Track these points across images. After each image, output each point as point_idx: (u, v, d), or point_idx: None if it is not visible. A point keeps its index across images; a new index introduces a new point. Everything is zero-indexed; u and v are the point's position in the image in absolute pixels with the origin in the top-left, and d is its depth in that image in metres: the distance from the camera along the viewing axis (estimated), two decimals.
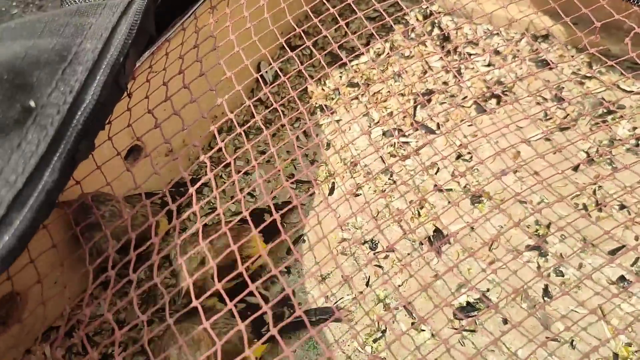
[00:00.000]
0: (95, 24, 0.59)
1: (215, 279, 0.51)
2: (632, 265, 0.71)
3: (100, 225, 0.63)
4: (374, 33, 0.74)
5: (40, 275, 0.61)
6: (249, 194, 0.84)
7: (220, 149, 0.64)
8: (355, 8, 0.76)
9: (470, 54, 0.94)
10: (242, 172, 0.70)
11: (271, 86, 0.75)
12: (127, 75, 0.63)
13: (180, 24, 0.73)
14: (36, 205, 0.47)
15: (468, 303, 0.71)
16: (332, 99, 0.93)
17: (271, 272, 0.55)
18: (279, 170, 0.62)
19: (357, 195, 0.82)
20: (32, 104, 0.50)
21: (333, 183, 0.83)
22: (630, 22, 0.70)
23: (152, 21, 0.69)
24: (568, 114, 0.85)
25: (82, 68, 0.54)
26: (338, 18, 0.75)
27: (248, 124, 0.71)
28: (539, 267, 0.72)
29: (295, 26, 0.78)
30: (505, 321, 0.69)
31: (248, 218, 0.58)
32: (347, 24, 0.79)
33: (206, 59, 0.73)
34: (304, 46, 0.75)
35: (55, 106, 0.51)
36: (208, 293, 0.51)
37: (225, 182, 0.85)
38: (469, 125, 0.86)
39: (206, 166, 0.71)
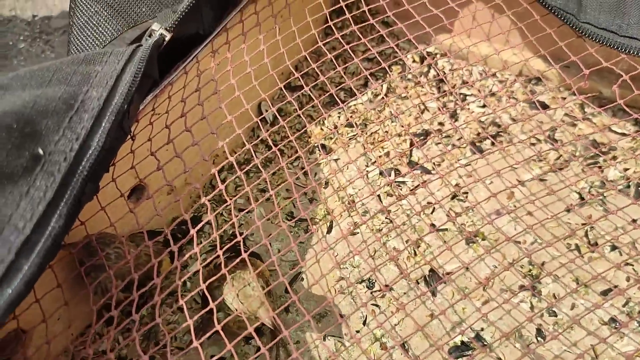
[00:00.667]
0: (101, 72, 0.61)
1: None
2: (623, 306, 0.72)
3: (105, 265, 0.64)
4: (369, 77, 0.76)
5: (45, 313, 0.63)
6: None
7: (222, 189, 0.67)
8: (351, 54, 0.79)
9: (465, 95, 0.97)
10: (243, 212, 0.72)
11: (272, 127, 0.77)
12: (131, 119, 0.65)
13: (183, 68, 0.75)
14: (43, 250, 0.48)
15: (462, 342, 0.72)
16: (331, 138, 0.95)
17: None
18: (279, 210, 0.64)
19: (355, 233, 0.83)
20: (40, 151, 0.53)
21: (331, 222, 0.85)
22: (619, 69, 0.73)
23: (156, 67, 0.72)
24: (561, 155, 0.87)
25: (88, 116, 0.56)
26: (334, 61, 0.78)
27: (250, 165, 0.73)
28: (532, 307, 0.74)
29: (294, 70, 0.80)
30: None
31: (247, 259, 0.61)
32: (346, 66, 0.82)
33: (208, 101, 0.76)
34: (303, 90, 0.78)
35: (62, 153, 0.53)
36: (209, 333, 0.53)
37: (226, 220, 0.87)
38: (465, 166, 0.88)
39: (209, 203, 0.73)
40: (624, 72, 0.72)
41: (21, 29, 1.76)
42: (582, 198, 0.82)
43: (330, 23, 0.83)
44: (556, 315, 0.73)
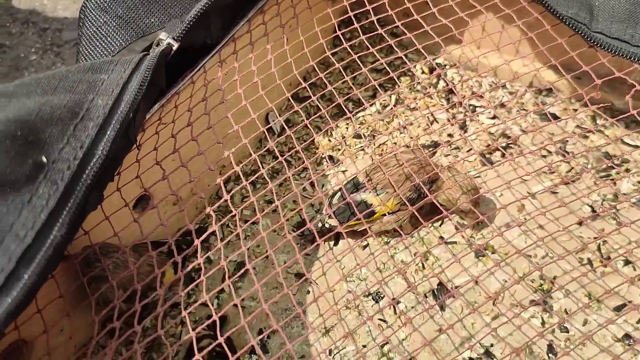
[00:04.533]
0: (107, 80, 0.61)
1: None
2: (637, 322, 0.70)
3: (106, 276, 0.64)
4: (378, 88, 0.75)
5: (46, 324, 0.62)
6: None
7: (227, 199, 0.66)
8: (360, 64, 0.78)
9: (475, 107, 0.96)
10: (248, 223, 0.71)
11: (279, 138, 0.77)
12: (137, 127, 0.65)
13: (190, 77, 0.75)
14: (44, 260, 0.48)
15: (471, 359, 0.70)
16: (339, 149, 0.94)
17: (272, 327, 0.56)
18: (284, 221, 0.63)
19: (365, 246, 0.82)
20: (43, 159, 0.52)
21: (338, 234, 0.84)
22: (632, 79, 0.72)
23: (163, 75, 0.71)
24: (572, 168, 0.85)
25: (93, 124, 0.56)
26: (343, 72, 0.77)
27: (256, 175, 0.72)
28: (543, 322, 0.72)
29: (302, 81, 0.80)
30: None
31: (252, 271, 0.60)
32: (354, 76, 0.81)
33: (215, 111, 0.75)
34: (310, 100, 0.77)
35: (66, 161, 0.53)
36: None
37: (232, 232, 0.86)
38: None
39: (214, 214, 0.72)
40: (637, 82, 0.71)
41: (33, 41, 1.77)
42: (594, 211, 0.81)
43: (339, 33, 0.82)
44: (568, 331, 0.71)
